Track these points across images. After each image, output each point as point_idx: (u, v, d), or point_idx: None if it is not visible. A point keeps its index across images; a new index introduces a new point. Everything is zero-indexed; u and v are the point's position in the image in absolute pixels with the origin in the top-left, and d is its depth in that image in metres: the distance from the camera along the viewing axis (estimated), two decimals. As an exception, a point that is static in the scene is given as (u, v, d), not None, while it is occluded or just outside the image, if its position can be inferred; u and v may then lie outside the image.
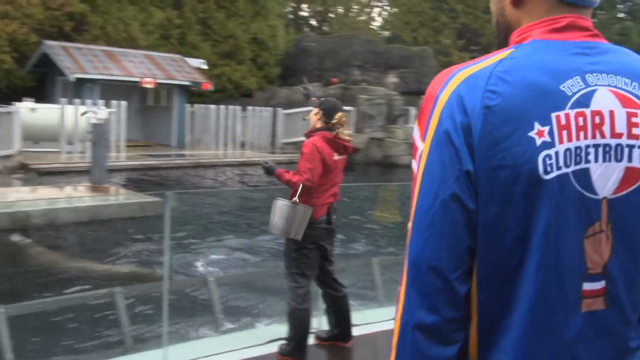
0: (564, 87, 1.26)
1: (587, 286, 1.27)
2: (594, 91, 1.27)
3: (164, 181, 19.56)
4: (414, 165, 1.33)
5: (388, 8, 44.23)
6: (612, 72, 1.31)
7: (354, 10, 43.58)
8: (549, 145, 1.23)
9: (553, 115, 1.24)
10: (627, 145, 1.28)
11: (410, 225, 1.31)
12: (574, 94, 1.26)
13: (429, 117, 1.30)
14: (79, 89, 23.30)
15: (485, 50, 38.74)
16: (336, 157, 5.02)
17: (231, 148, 26.50)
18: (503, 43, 1.44)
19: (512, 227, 1.23)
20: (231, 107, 26.74)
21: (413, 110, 27.95)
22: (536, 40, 1.33)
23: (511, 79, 1.24)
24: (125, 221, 11.75)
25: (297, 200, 4.76)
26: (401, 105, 28.36)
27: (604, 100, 1.27)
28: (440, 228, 1.24)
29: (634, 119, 1.29)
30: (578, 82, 1.27)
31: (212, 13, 31.95)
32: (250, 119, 27.16)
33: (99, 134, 14.74)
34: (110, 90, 24.65)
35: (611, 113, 1.27)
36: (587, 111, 1.26)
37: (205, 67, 29.12)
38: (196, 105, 27.33)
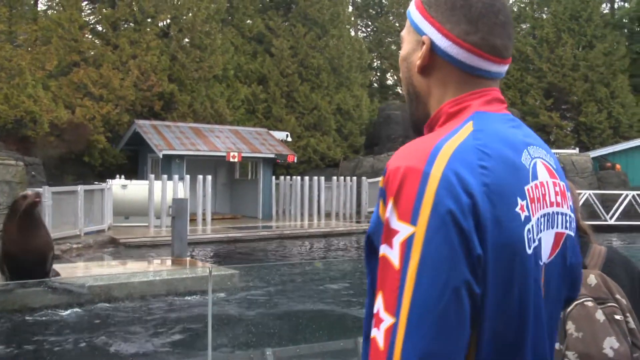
0: (522, 160, 1.29)
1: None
2: (536, 163, 1.32)
3: (248, 254, 19.73)
4: (389, 252, 1.17)
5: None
6: (536, 144, 1.36)
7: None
8: (528, 219, 1.24)
9: (526, 188, 1.26)
10: (555, 213, 1.35)
11: (388, 323, 1.12)
12: (529, 166, 1.29)
13: (417, 196, 1.16)
14: (167, 165, 24.14)
15: (575, 108, 37.88)
16: None
17: (316, 218, 26.62)
18: (417, 112, 1.44)
19: (513, 306, 1.22)
20: (315, 177, 26.99)
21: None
22: (480, 112, 1.32)
23: (492, 153, 1.23)
24: (198, 294, 11.82)
25: None
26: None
27: (542, 171, 1.33)
28: (454, 319, 1.13)
29: (556, 188, 1.37)
30: (527, 155, 1.31)
31: (297, 86, 32.71)
32: (335, 189, 27.30)
33: (179, 208, 15.07)
34: (197, 165, 25.44)
35: (547, 184, 1.34)
36: (538, 183, 1.30)
37: (289, 139, 29.70)
38: (281, 177, 27.76)
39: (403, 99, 41.54)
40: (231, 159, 25.86)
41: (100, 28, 28.71)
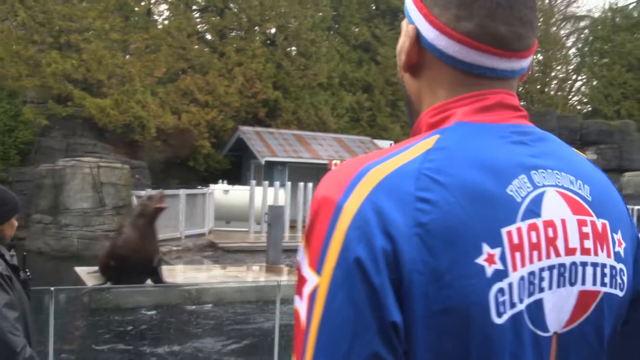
0: (510, 190, 0.93)
1: None
2: (542, 194, 0.96)
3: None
4: (299, 304, 0.91)
5: (587, 81, 42.29)
6: (556, 167, 0.99)
7: (553, 85, 42.15)
8: (502, 275, 0.89)
9: (504, 231, 0.90)
10: (581, 264, 0.96)
11: None
12: (523, 199, 0.93)
13: (326, 237, 0.88)
14: (270, 171, 24.26)
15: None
16: None
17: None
18: (411, 121, 1.10)
19: None
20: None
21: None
22: (463, 122, 0.98)
23: (446, 180, 0.90)
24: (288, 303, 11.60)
25: None
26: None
27: (554, 205, 0.96)
28: None
29: (584, 229, 0.97)
30: (525, 183, 0.94)
31: (401, 95, 32.12)
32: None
33: (275, 215, 14.97)
34: (299, 171, 25.42)
35: (563, 223, 0.96)
36: (539, 222, 0.94)
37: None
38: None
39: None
40: (333, 167, 25.61)
41: (208, 36, 29.36)
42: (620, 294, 1.01)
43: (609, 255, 0.99)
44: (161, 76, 24.34)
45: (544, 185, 0.96)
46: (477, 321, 0.87)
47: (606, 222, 1.00)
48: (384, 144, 29.03)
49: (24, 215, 18.78)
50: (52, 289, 5.61)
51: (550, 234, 0.94)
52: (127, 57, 24.57)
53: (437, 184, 0.89)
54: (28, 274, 3.97)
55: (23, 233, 18.64)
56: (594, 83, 40.38)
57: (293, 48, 29.54)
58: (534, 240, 0.92)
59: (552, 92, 40.70)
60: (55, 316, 5.61)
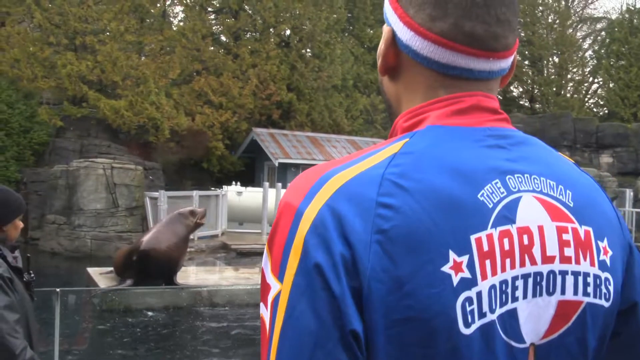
0: (482, 195, 0.90)
1: None
2: (518, 199, 0.92)
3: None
4: (263, 310, 0.90)
5: (604, 84, 41.96)
6: (535, 172, 0.96)
7: (570, 88, 41.86)
8: (469, 283, 0.86)
9: (472, 238, 0.87)
10: (560, 272, 0.93)
11: None
12: (495, 205, 0.90)
13: (287, 242, 0.87)
14: (283, 173, 24.26)
15: None
16: None
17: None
18: (392, 121, 1.08)
19: None
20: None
21: (629, 193, 25.61)
22: (435, 126, 0.96)
23: (411, 185, 0.87)
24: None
25: None
26: (615, 187, 26.14)
27: (531, 211, 0.93)
28: None
29: (565, 236, 0.94)
30: (499, 188, 0.91)
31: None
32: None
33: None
34: (312, 174, 25.39)
35: (540, 229, 0.92)
36: (513, 228, 0.90)
37: (407, 150, 29.22)
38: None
39: (528, 111, 40.12)
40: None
41: (222, 38, 29.42)
42: (606, 304, 0.97)
43: (592, 264, 0.95)
44: (175, 77, 24.41)
45: (519, 191, 0.93)
46: (442, 331, 0.84)
47: (590, 229, 0.97)
48: (398, 146, 29.01)
49: (38, 215, 18.90)
50: (58, 290, 5.62)
51: (526, 241, 0.91)
52: (142, 58, 24.65)
53: (400, 189, 0.86)
54: (32, 275, 3.96)
55: (37, 233, 18.77)
56: (611, 85, 40.03)
57: (307, 50, 29.51)
58: (507, 247, 0.89)
59: (568, 95, 40.42)
60: (62, 317, 5.61)
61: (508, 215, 0.90)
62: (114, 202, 18.70)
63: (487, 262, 0.87)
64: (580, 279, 0.95)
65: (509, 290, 0.89)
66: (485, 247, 0.88)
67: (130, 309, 10.61)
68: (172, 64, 24.10)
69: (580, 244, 0.95)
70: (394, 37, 1.02)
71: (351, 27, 33.48)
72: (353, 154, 0.95)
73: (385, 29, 1.04)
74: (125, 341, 9.64)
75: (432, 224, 0.85)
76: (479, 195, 0.89)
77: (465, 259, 0.86)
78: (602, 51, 41.81)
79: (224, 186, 22.78)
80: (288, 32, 29.61)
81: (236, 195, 22.44)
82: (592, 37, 46.00)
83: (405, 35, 0.99)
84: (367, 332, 0.84)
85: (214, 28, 29.74)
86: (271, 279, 0.88)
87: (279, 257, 0.87)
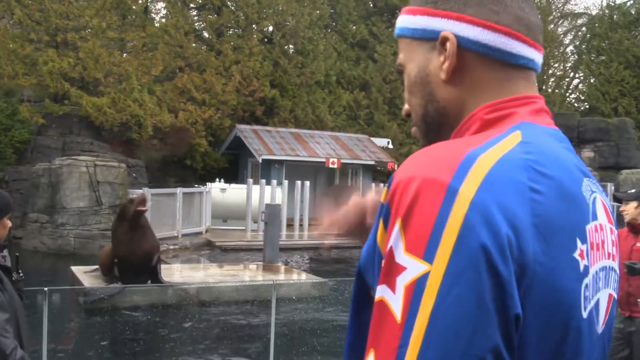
0: (583, 191, 0.97)
1: None
2: (595, 199, 1.00)
3: (343, 261, 19.40)
4: (387, 294, 0.84)
5: (585, 79, 42.30)
6: (592, 177, 1.04)
7: (551, 83, 42.12)
8: (587, 270, 0.92)
9: (587, 228, 0.94)
10: (610, 268, 1.02)
11: None
12: (589, 201, 0.97)
13: (437, 221, 0.82)
14: (267, 170, 24.22)
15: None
16: None
17: (416, 227, 26.04)
18: (436, 136, 1.07)
19: None
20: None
21: (610, 187, 25.83)
22: (528, 123, 0.98)
23: (549, 173, 0.90)
24: (283, 302, 11.55)
25: None
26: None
27: (601, 210, 1.01)
28: None
29: (612, 237, 1.04)
30: (587, 186, 0.99)
31: (399, 93, 32.21)
32: (435, 198, 26.62)
33: (271, 214, 14.92)
34: (296, 170, 25.39)
35: (605, 228, 1.01)
36: (598, 225, 0.98)
37: (391, 146, 29.30)
38: (381, 184, 27.30)
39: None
40: (330, 165, 25.68)
41: (205, 34, 29.31)
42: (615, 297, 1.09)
43: (618, 264, 1.08)
44: (158, 74, 24.27)
45: (593, 191, 1.00)
46: (573, 313, 0.90)
47: (616, 231, 1.08)
48: (382, 142, 29.05)
49: (20, 214, 18.74)
50: (45, 289, 5.59)
51: (603, 237, 0.99)
52: (124, 55, 24.48)
53: (542, 176, 0.89)
54: (21, 274, 3.94)
55: (20, 232, 18.60)
56: (592, 81, 40.40)
57: (290, 46, 29.49)
58: (598, 241, 0.98)
59: (549, 90, 40.67)
60: (49, 317, 5.58)
61: (595, 212, 0.98)
62: (98, 200, 18.58)
63: (593, 252, 0.95)
64: (614, 274, 1.05)
65: (598, 280, 0.97)
66: (592, 239, 0.95)
67: (117, 307, 10.57)
68: (154, 61, 23.97)
69: (616, 244, 1.05)
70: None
71: (334, 23, 33.50)
72: (469, 138, 0.96)
73: (432, 43, 1.06)
74: (112, 339, 9.59)
75: (565, 211, 0.90)
76: (582, 191, 0.96)
77: (585, 247, 0.92)
78: (583, 47, 42.16)
79: (207, 183, 22.73)
80: (271, 28, 29.58)
81: (220, 192, 22.39)
82: (573, 33, 46.43)
83: (472, 31, 1.02)
84: (523, 314, 0.84)
85: (196, 24, 29.63)
86: (407, 259, 0.83)
87: (425, 235, 0.83)
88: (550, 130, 1.00)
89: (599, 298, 0.97)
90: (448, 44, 1.03)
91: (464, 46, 1.03)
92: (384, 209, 0.89)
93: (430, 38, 1.06)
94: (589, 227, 0.94)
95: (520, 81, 1.04)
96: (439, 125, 1.08)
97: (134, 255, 10.49)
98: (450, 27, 1.03)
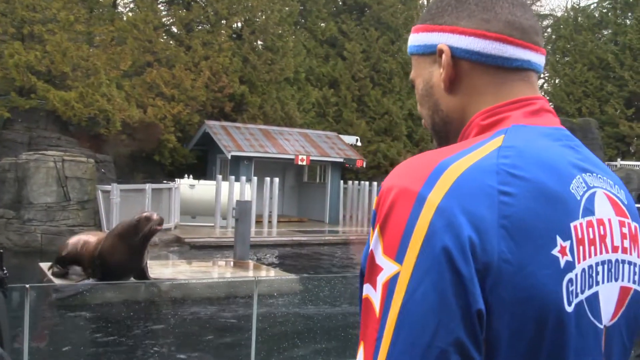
0: (572, 188, 1.02)
1: None
2: (594, 194, 1.05)
3: (312, 258, 19.48)
4: (370, 291, 0.94)
5: (550, 79, 42.95)
6: (599, 172, 1.09)
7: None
8: (571, 266, 0.97)
9: (572, 225, 0.99)
10: (622, 261, 1.06)
11: None
12: (581, 197, 1.02)
13: (407, 226, 0.92)
14: (236, 166, 24.17)
15: (660, 120, 36.26)
16: None
17: (384, 224, 26.17)
18: (446, 143, 1.15)
19: None
20: (383, 183, 26.58)
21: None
22: (520, 125, 1.06)
23: (524, 175, 0.97)
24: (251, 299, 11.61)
25: None
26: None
27: (604, 206, 1.06)
28: None
29: (623, 229, 1.07)
30: (581, 183, 1.04)
31: (368, 90, 32.42)
32: (403, 195, 26.80)
33: (242, 210, 14.93)
34: (265, 167, 25.40)
35: (610, 222, 1.05)
36: (594, 220, 1.03)
37: (359, 143, 29.44)
38: (350, 182, 27.48)
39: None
40: (299, 162, 25.73)
41: (174, 29, 29.11)
42: None
43: (639, 256, 1.09)
44: (127, 69, 24.01)
45: (594, 187, 1.05)
46: (552, 308, 0.94)
47: (637, 225, 1.10)
48: (350, 139, 29.17)
49: (-14, 209, 18.45)
50: (27, 286, 5.55)
51: (602, 232, 1.03)
52: (92, 49, 24.18)
53: (515, 179, 0.95)
54: (5, 272, 3.92)
55: (-15, 228, 18.32)
56: (556, 81, 41.07)
57: (260, 42, 29.41)
58: (591, 236, 1.01)
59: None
60: (30, 314, 5.54)
61: (589, 207, 1.02)
62: (65, 196, 18.39)
63: (581, 247, 0.99)
64: (632, 268, 1.07)
65: (594, 274, 1.01)
66: (579, 235, 0.99)
67: (88, 303, 10.51)
68: (123, 55, 23.74)
69: (632, 238, 1.08)
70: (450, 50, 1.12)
71: (304, 20, 33.50)
72: (451, 146, 1.03)
73: (433, 57, 1.14)
74: (85, 336, 9.54)
75: (542, 211, 0.95)
76: (570, 188, 1.01)
77: (568, 244, 0.97)
78: (548, 47, 42.71)
79: (176, 179, 22.63)
80: (240, 24, 29.49)
81: (189, 188, 22.32)
82: (538, 34, 46.89)
83: (464, 41, 1.10)
84: (489, 310, 0.91)
85: (165, 19, 29.41)
86: (384, 261, 0.93)
87: (397, 239, 0.92)
88: (546, 130, 1.06)
89: (597, 292, 1.01)
90: (444, 56, 1.11)
91: (459, 56, 1.11)
92: (373, 216, 0.98)
93: (431, 52, 1.14)
94: (576, 223, 0.99)
95: (519, 83, 1.10)
96: (446, 133, 1.17)
97: (126, 269, 10.40)
98: (445, 39, 1.12)
